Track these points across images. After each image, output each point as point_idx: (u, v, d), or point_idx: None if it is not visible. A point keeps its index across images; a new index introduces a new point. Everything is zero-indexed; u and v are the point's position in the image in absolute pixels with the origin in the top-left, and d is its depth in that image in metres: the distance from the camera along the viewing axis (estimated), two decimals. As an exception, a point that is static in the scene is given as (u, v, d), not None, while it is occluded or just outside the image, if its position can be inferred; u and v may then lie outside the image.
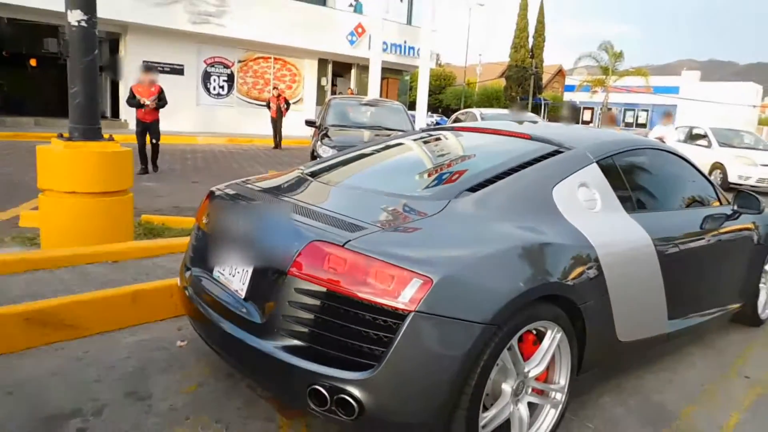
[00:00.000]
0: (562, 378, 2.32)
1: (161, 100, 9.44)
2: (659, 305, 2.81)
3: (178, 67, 18.12)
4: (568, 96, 43.89)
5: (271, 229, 2.29)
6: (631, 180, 2.96)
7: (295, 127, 16.77)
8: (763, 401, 2.97)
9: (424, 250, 1.97)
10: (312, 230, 2.08)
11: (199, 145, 15.48)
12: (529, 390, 2.23)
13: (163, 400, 2.56)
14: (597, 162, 2.75)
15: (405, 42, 22.54)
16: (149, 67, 11.55)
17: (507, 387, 2.13)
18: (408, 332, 1.83)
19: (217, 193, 2.72)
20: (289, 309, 2.02)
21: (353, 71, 23.11)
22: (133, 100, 9.27)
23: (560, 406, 2.33)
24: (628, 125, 37.59)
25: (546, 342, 2.19)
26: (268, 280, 2.14)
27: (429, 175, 2.80)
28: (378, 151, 3.32)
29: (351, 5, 22.20)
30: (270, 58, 20.55)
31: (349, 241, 1.96)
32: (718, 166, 13.02)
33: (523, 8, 42.37)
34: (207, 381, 2.76)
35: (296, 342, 1.99)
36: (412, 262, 1.87)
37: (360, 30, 21.10)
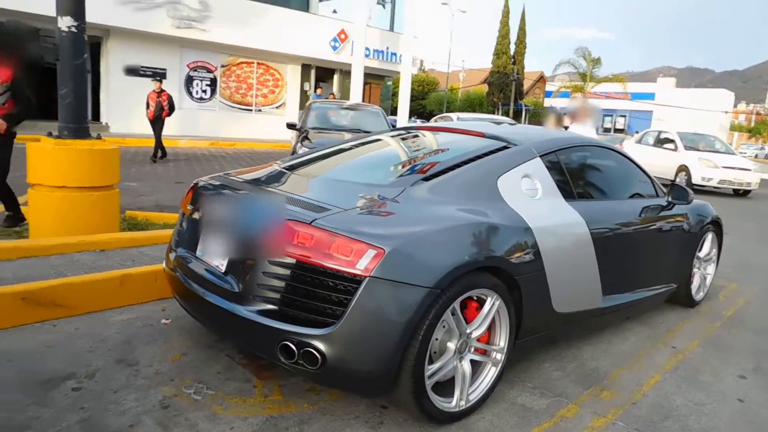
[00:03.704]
0: (501, 340, 2.67)
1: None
2: (593, 282, 3.18)
3: (160, 71, 18.29)
4: (548, 102, 44.68)
5: (247, 212, 2.62)
6: (571, 173, 3.33)
7: (276, 131, 17.04)
8: (681, 365, 3.37)
9: (379, 227, 2.31)
10: (284, 211, 2.42)
11: (181, 148, 15.69)
12: (472, 349, 2.57)
13: (149, 366, 2.86)
14: (540, 156, 3.12)
15: (387, 48, 22.97)
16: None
17: (451, 345, 2.47)
18: (363, 294, 2.17)
19: (201, 183, 3.04)
20: (263, 279, 2.36)
21: (336, 76, 23.47)
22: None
23: (500, 365, 2.68)
24: (606, 130, 38.41)
25: (486, 307, 2.54)
26: (244, 256, 2.47)
27: (391, 168, 3.14)
28: (348, 148, 3.66)
29: (334, 11, 22.58)
30: (253, 62, 20.82)
31: (316, 219, 2.30)
32: (683, 168, 13.61)
33: (505, 15, 43.10)
34: (189, 351, 3.06)
35: (269, 306, 2.32)
36: (368, 236, 2.22)
37: (343, 36, 21.47)
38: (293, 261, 2.28)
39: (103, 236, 4.30)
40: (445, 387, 2.52)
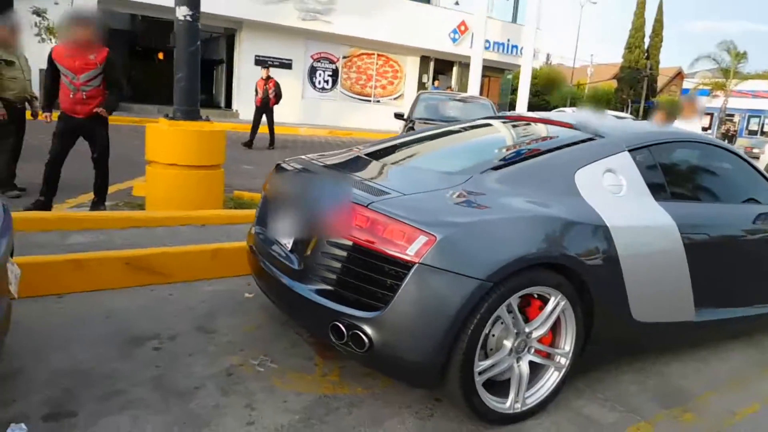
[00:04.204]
0: (567, 344, 2.51)
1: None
2: (683, 291, 2.89)
3: (286, 61, 19.26)
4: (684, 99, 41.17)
5: (314, 193, 2.68)
6: (667, 170, 3.05)
7: (393, 122, 17.24)
8: None
9: (434, 214, 2.26)
10: (346, 194, 2.45)
11: (301, 136, 16.42)
12: (532, 350, 2.45)
13: (224, 335, 3.04)
14: (629, 150, 2.88)
15: (508, 40, 22.41)
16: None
17: (508, 343, 2.36)
18: (412, 280, 2.14)
19: (282, 164, 3.16)
20: (321, 258, 2.41)
21: (455, 69, 23.31)
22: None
23: (563, 370, 2.52)
24: (752, 132, 34.69)
25: (548, 307, 2.40)
26: (307, 235, 2.54)
27: (466, 156, 3.06)
28: (431, 137, 3.61)
29: (456, 2, 22.35)
30: (373, 54, 21.26)
31: (373, 202, 2.30)
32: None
33: (640, 6, 40.17)
34: (264, 325, 3.20)
35: (325, 286, 2.37)
36: (420, 222, 2.19)
37: (463, 28, 21.26)
38: (350, 243, 2.30)
39: (205, 212, 4.62)
40: (503, 387, 2.42)
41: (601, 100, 43.37)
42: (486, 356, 2.34)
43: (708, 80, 30.35)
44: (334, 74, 20.61)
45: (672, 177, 3.10)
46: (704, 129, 36.57)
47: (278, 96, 12.43)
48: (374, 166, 2.97)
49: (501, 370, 2.37)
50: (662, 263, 2.78)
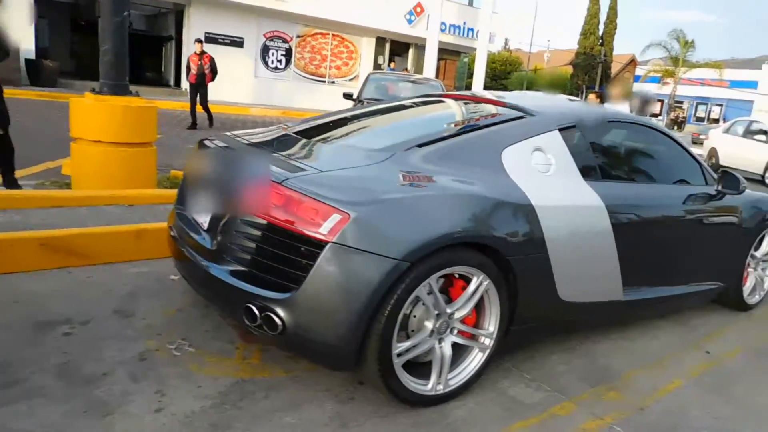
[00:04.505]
0: (491, 325, 2.47)
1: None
2: (611, 272, 2.89)
3: (238, 39, 18.72)
4: (637, 87, 42.26)
5: (231, 170, 2.54)
6: (598, 150, 3.03)
7: (347, 103, 17.04)
8: (712, 373, 3.02)
9: (349, 191, 2.17)
10: (261, 171, 2.33)
11: (251, 116, 16.03)
12: (455, 331, 2.40)
13: (143, 319, 2.88)
14: (560, 129, 2.84)
15: (464, 23, 22.36)
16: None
17: (429, 324, 2.30)
18: (324, 260, 2.05)
19: (204, 141, 3.00)
20: (235, 237, 2.29)
21: (411, 51, 23.15)
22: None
23: (487, 351, 2.48)
24: (699, 119, 35.86)
25: (471, 287, 2.34)
26: (223, 213, 2.41)
27: (394, 134, 2.97)
28: (365, 114, 3.50)
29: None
30: (328, 34, 20.87)
31: (287, 179, 2.19)
32: (774, 161, 12.40)
33: (596, -8, 40.80)
34: (186, 308, 3.06)
35: (238, 266, 2.26)
36: (334, 200, 2.09)
37: (419, 9, 21.06)
38: (263, 221, 2.19)
39: (133, 191, 4.40)
40: (425, 368, 2.36)
41: (557, 86, 44.03)
42: (408, 337, 2.28)
43: (659, 68, 31.03)
44: (288, 54, 20.15)
45: (602, 157, 3.09)
46: (654, 115, 37.61)
47: (214, 72, 11.74)
48: (299, 143, 2.84)
49: (422, 351, 2.31)
50: (589, 243, 2.76)
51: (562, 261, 2.62)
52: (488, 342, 2.48)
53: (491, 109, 3.09)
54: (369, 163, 2.39)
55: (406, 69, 21.81)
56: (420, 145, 2.54)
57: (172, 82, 19.95)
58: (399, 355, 2.22)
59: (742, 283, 3.86)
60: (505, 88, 45.11)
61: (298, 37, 20.26)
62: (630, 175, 3.29)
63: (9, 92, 5.11)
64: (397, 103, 3.67)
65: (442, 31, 20.62)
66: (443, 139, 2.60)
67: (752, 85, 36.49)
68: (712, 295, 3.75)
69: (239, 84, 18.39)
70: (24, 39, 14.88)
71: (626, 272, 2.95)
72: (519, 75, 47.61)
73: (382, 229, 2.10)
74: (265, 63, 19.74)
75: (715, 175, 3.57)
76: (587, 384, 2.73)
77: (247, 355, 2.64)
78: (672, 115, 38.44)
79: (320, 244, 2.06)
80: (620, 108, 6.06)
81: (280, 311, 2.10)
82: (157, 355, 2.55)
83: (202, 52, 11.50)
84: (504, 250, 2.36)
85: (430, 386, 2.33)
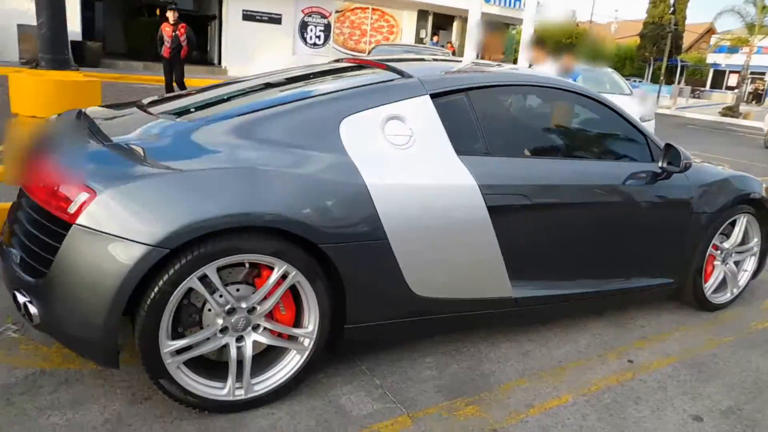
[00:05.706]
0: (310, 323, 2.13)
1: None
2: (488, 262, 2.46)
3: (276, 16, 18.61)
4: (712, 58, 39.24)
5: (41, 145, 2.29)
6: (489, 119, 2.58)
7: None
8: (616, 388, 2.50)
9: (106, 165, 1.89)
10: (48, 145, 2.15)
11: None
12: (260, 329, 2.08)
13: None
14: (432, 95, 2.42)
15: (512, -7, 21.28)
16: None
17: (219, 320, 2.00)
18: (68, 244, 1.81)
19: (61, 114, 2.77)
20: (18, 217, 2.09)
21: (455, 24, 22.31)
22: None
23: (306, 353, 2.15)
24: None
25: (271, 279, 2.00)
26: (20, 197, 2.20)
27: (229, 103, 2.60)
28: (239, 85, 3.00)
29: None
30: (368, 8, 20.39)
31: (57, 154, 1.97)
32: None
33: (669, -43, 37.86)
34: None
35: (19, 252, 2.04)
36: (83, 175, 1.82)
37: (463, -21, 20.18)
38: (33, 202, 1.96)
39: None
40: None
41: (624, 58, 41.57)
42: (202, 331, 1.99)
43: (730, 36, 28.33)
44: (326, 29, 19.85)
45: (497, 128, 2.64)
46: (732, 88, 34.63)
47: (191, 44, 10.26)
48: (127, 115, 2.51)
49: (208, 350, 2.01)
50: (453, 229, 2.34)
51: (412, 249, 2.23)
52: (308, 342, 2.14)
53: (366, 73, 2.69)
54: (161, 134, 2.08)
55: (450, 43, 21.03)
56: (240, 115, 2.19)
57: (216, 61, 20.15)
58: (179, 352, 1.93)
59: (703, 280, 3.28)
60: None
61: (337, 12, 19.91)
62: (535, 150, 2.80)
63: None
64: (273, 72, 3.17)
65: (487, 1, 19.67)
66: (267, 108, 2.24)
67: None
68: (660, 292, 3.21)
69: (277, 62, 18.25)
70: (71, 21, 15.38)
71: (517, 264, 2.52)
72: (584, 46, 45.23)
73: (135, 210, 1.81)
74: (304, 39, 19.55)
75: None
76: (443, 396, 2.33)
77: (48, 345, 2.40)
78: (751, 87, 35.45)
79: (66, 225, 1.80)
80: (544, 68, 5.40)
81: (33, 298, 1.88)
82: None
83: (177, 22, 9.98)
84: (314, 237, 2.01)
85: (227, 390, 2.03)
